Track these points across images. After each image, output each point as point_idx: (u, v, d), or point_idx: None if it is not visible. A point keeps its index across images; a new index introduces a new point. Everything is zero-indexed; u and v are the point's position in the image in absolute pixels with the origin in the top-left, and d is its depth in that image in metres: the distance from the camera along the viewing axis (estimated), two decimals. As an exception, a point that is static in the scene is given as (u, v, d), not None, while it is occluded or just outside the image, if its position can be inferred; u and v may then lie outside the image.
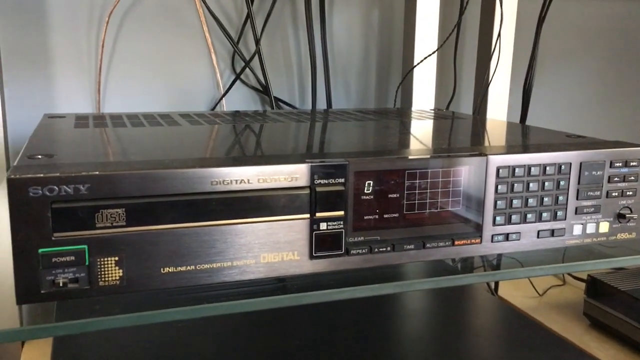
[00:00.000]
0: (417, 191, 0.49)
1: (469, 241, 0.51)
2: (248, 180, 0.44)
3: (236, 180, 0.44)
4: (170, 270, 0.43)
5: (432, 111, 0.88)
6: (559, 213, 0.53)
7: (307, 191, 0.46)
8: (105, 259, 0.42)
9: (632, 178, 0.55)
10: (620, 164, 0.54)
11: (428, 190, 0.50)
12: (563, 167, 0.52)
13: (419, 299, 0.80)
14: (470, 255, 0.52)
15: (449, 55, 1.03)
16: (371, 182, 0.48)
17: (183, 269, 0.44)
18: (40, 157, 0.45)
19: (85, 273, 0.41)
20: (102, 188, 0.41)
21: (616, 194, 0.54)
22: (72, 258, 0.41)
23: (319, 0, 0.99)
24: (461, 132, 0.67)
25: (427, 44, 0.98)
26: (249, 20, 0.95)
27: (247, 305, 0.45)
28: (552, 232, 0.53)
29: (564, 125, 1.21)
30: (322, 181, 0.46)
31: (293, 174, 0.45)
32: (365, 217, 0.48)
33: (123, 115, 0.74)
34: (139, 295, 0.43)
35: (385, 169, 0.48)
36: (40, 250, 0.40)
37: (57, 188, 0.40)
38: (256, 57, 0.96)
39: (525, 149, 0.53)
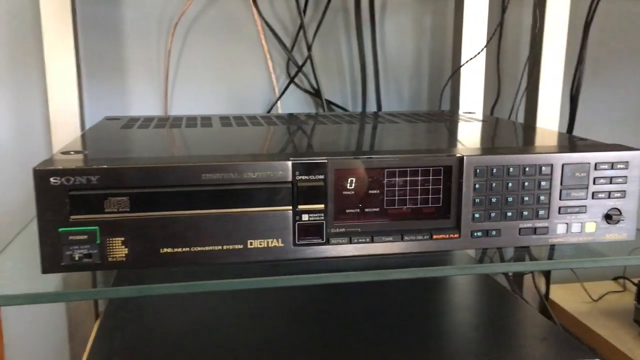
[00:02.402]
0: (396, 188, 0.54)
1: (447, 235, 0.55)
2: (236, 174, 0.50)
3: (225, 174, 0.50)
4: (168, 251, 0.51)
5: (465, 114, 0.91)
6: (541, 212, 0.55)
7: (289, 185, 0.52)
8: (113, 239, 0.50)
9: (620, 180, 0.56)
10: (606, 167, 0.55)
11: (407, 187, 0.54)
12: (544, 168, 0.55)
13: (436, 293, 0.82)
14: (450, 249, 0.55)
15: (508, 58, 1.04)
16: (351, 179, 0.53)
17: (179, 250, 0.51)
18: (72, 153, 0.55)
19: (97, 250, 0.50)
20: (109, 179, 0.49)
21: (603, 195, 0.56)
22: (86, 237, 0.49)
23: (369, 7, 1.04)
24: (466, 133, 0.70)
25: (474, 46, 1.00)
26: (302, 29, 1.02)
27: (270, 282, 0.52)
28: (535, 230, 0.56)
29: (623, 133, 1.18)
30: (303, 177, 0.52)
31: (277, 170, 0.51)
32: (346, 211, 0.53)
33: (171, 117, 0.83)
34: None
35: (363, 167, 0.53)
36: (60, 230, 0.49)
37: (72, 178, 0.48)
38: (309, 62, 1.02)
39: (505, 150, 0.56)
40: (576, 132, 1.10)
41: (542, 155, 0.55)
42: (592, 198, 0.56)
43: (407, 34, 1.09)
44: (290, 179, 0.52)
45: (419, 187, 0.54)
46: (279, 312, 0.76)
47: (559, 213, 0.56)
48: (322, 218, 0.53)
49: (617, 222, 0.57)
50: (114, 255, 0.50)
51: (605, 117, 1.17)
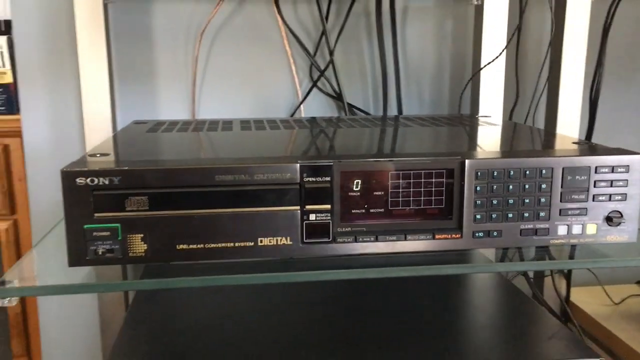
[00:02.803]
0: (400, 189, 0.57)
1: (449, 235, 0.57)
2: (247, 175, 0.54)
3: (237, 176, 0.54)
4: (184, 247, 0.55)
5: (481, 118, 0.93)
6: (542, 214, 0.57)
7: (297, 187, 0.55)
8: (133, 236, 0.54)
9: (621, 183, 0.57)
10: (607, 170, 0.57)
11: (411, 189, 0.57)
12: (544, 171, 0.57)
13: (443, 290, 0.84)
14: (453, 249, 0.57)
15: (529, 61, 1.06)
16: (357, 181, 0.56)
17: (194, 246, 0.55)
18: (98, 155, 0.59)
19: (118, 246, 0.54)
20: (130, 180, 0.53)
21: (603, 198, 0.58)
22: (109, 233, 0.53)
23: (389, 12, 1.07)
24: (475, 137, 0.72)
25: (494, 50, 1.02)
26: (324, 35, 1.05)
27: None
28: (535, 231, 0.58)
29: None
30: (310, 179, 0.55)
31: (285, 172, 0.54)
32: (352, 211, 0.56)
33: (195, 121, 0.87)
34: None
35: (368, 169, 0.56)
36: (85, 226, 0.53)
37: (96, 179, 0.52)
38: (331, 67, 1.05)
39: (507, 154, 0.58)
40: (599, 137, 1.10)
41: (542, 158, 0.57)
42: (593, 200, 0.58)
43: (429, 38, 1.11)
44: (298, 180, 0.55)
45: (422, 189, 0.57)
46: (300, 307, 0.78)
47: (560, 215, 0.58)
48: (329, 218, 0.56)
49: (618, 224, 0.58)
50: (134, 251, 0.54)
51: (632, 122, 1.17)
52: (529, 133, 0.74)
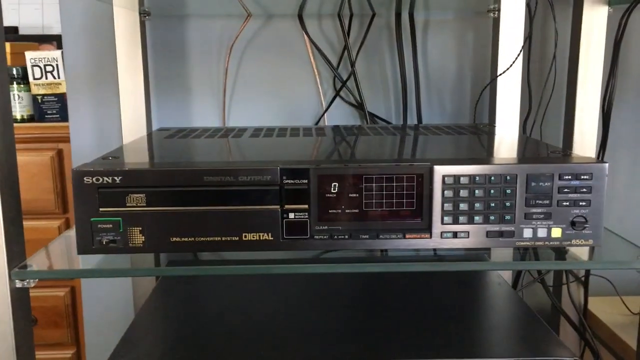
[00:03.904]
0: (374, 192, 0.62)
1: (419, 235, 0.62)
2: (232, 177, 0.60)
3: (223, 177, 0.60)
4: (177, 240, 0.62)
5: (483, 126, 0.96)
6: (507, 217, 0.61)
7: (277, 188, 0.61)
8: (133, 228, 0.61)
9: (584, 190, 0.60)
10: (570, 177, 0.60)
11: (384, 192, 0.62)
12: (508, 177, 0.60)
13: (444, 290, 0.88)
14: (422, 248, 0.62)
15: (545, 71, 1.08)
16: (334, 184, 0.61)
17: (186, 239, 0.62)
18: (110, 158, 0.67)
19: (120, 237, 0.61)
20: (129, 179, 0.60)
21: (567, 203, 0.61)
22: (111, 226, 0.61)
23: (409, 26, 1.12)
24: (457, 145, 0.76)
25: (510, 60, 1.05)
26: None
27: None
28: (501, 234, 0.61)
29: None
30: (289, 181, 0.61)
31: (267, 175, 0.61)
32: (328, 211, 0.62)
33: (212, 128, 0.95)
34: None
35: (343, 173, 0.61)
36: (92, 219, 0.61)
37: (101, 178, 0.60)
38: (354, 78, 1.11)
39: (474, 161, 0.62)
40: (614, 149, 1.11)
41: (506, 165, 0.60)
42: (557, 206, 0.61)
43: (450, 50, 1.15)
44: (278, 182, 0.61)
45: (394, 192, 0.62)
46: (316, 298, 0.84)
47: (525, 218, 0.61)
48: (307, 216, 0.61)
49: (583, 228, 0.61)
50: (134, 242, 0.61)
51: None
52: (516, 142, 0.78)
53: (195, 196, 0.61)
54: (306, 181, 0.61)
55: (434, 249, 0.63)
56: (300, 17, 1.10)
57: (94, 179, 0.60)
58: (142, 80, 1.05)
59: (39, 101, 1.35)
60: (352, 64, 1.12)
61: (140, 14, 1.04)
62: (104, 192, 0.60)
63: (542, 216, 0.61)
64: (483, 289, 0.88)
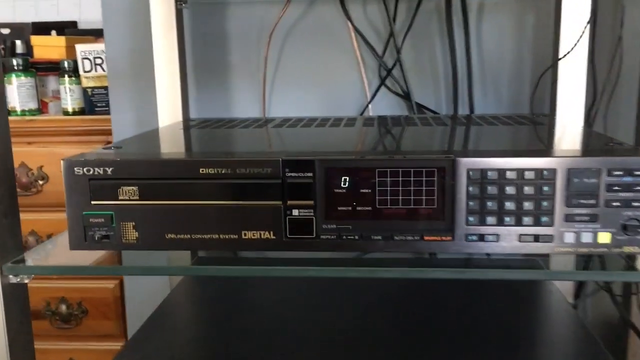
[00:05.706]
0: (388, 187, 0.54)
1: (439, 237, 0.54)
2: (229, 169, 0.55)
3: (219, 169, 0.55)
4: (172, 237, 0.57)
5: (540, 116, 0.86)
6: (544, 219, 0.52)
7: (279, 181, 0.55)
8: (126, 224, 0.57)
9: (639, 188, 0.51)
10: (621, 173, 0.51)
11: (400, 188, 0.54)
12: (545, 172, 0.52)
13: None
14: (442, 251, 0.54)
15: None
16: (344, 178, 0.55)
17: (181, 236, 0.56)
18: (112, 148, 0.63)
19: (113, 232, 0.57)
20: (121, 170, 0.56)
21: (617, 203, 0.51)
22: (103, 220, 0.57)
23: (461, 9, 1.02)
24: (496, 137, 0.67)
25: (572, 45, 0.94)
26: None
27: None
28: (537, 238, 0.53)
29: None
30: (293, 174, 0.54)
31: (267, 167, 0.55)
32: (337, 208, 0.55)
33: (238, 119, 0.90)
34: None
35: (354, 166, 0.54)
36: (83, 213, 0.57)
37: (92, 169, 0.56)
38: (401, 66, 1.03)
39: (504, 153, 0.53)
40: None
41: (543, 159, 0.52)
42: (605, 206, 0.51)
43: (507, 33, 1.05)
44: (280, 175, 0.54)
45: (412, 188, 0.54)
46: (342, 304, 0.78)
47: (565, 221, 0.52)
48: (312, 214, 0.55)
49: (637, 233, 0.51)
50: (127, 238, 0.57)
51: None
52: (569, 133, 0.68)
53: (191, 190, 0.56)
54: (311, 174, 0.54)
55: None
56: (343, 2, 1.04)
57: (84, 169, 0.56)
58: (178, 71, 1.01)
59: (89, 94, 1.34)
60: (398, 51, 1.04)
61: (176, 1, 1.00)
62: (95, 184, 0.56)
63: (586, 218, 0.52)
64: (529, 298, 0.78)
